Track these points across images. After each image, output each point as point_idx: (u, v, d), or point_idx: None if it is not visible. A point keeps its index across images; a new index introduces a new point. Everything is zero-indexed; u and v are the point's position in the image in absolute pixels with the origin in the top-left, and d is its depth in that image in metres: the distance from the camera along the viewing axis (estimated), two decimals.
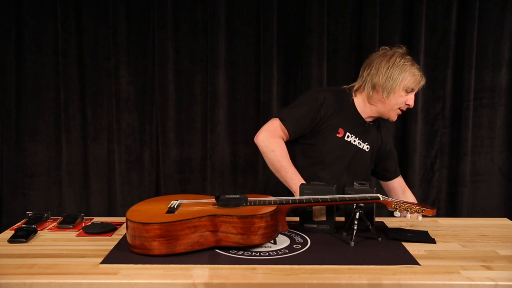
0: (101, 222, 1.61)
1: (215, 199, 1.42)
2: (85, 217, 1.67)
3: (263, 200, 1.41)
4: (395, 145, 2.73)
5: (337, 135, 1.80)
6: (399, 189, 2.00)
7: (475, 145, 2.74)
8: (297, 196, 1.55)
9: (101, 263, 1.22)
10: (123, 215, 1.42)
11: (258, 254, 1.27)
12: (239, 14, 2.72)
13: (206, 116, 2.77)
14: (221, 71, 2.73)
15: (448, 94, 2.74)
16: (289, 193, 1.75)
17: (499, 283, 1.09)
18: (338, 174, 1.82)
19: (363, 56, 2.68)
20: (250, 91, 2.77)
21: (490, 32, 2.67)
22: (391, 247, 1.34)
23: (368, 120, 1.85)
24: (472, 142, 2.72)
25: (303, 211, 1.50)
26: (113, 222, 1.61)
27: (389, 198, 1.43)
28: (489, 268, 1.19)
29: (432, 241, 1.41)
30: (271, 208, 1.33)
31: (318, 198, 1.41)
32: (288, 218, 1.44)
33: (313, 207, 1.48)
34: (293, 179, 1.73)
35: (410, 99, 1.77)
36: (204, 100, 2.78)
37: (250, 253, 1.29)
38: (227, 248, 1.31)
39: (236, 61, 2.75)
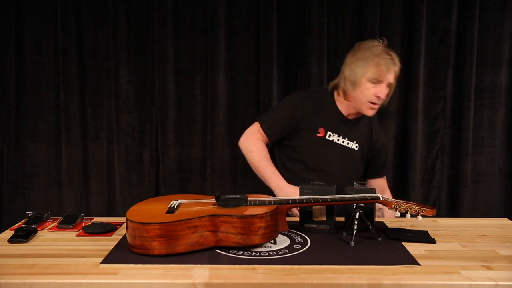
0: (101, 222, 1.61)
1: (215, 199, 1.42)
2: (85, 217, 1.67)
3: (263, 200, 1.41)
4: (395, 146, 2.77)
5: (318, 135, 1.78)
6: (379, 189, 1.93)
7: (475, 145, 2.74)
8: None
9: (101, 263, 1.22)
10: (123, 215, 1.42)
11: (258, 254, 1.27)
12: (239, 14, 2.72)
13: (206, 116, 2.77)
14: (221, 71, 2.73)
15: (449, 94, 2.74)
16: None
17: (499, 283, 1.09)
18: (326, 175, 1.80)
19: None
20: (250, 91, 2.77)
21: (490, 32, 2.67)
22: (391, 247, 1.34)
23: (350, 117, 1.82)
24: (472, 142, 2.71)
25: (303, 211, 1.50)
26: (113, 222, 1.61)
27: (389, 198, 1.43)
28: (489, 268, 1.19)
29: (432, 241, 1.41)
30: (271, 208, 1.33)
31: (318, 198, 1.41)
32: (288, 218, 1.44)
33: (313, 207, 1.48)
34: (272, 177, 1.73)
35: (380, 91, 1.69)
36: (204, 100, 2.78)
37: (250, 253, 1.29)
38: (227, 248, 1.31)
39: (236, 61, 2.75)
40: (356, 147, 1.83)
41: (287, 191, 1.68)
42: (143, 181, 2.82)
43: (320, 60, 2.67)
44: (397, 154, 2.79)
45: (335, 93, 1.84)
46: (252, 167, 1.84)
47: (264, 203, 1.39)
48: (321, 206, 1.47)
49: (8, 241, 1.40)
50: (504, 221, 1.69)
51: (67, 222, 1.57)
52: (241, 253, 1.29)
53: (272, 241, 1.36)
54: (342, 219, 1.55)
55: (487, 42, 2.68)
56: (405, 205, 1.38)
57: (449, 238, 1.45)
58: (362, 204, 1.40)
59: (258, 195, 1.50)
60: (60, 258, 1.26)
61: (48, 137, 2.84)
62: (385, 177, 2.00)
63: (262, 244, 1.33)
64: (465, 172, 2.70)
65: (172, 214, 1.32)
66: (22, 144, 2.84)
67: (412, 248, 1.33)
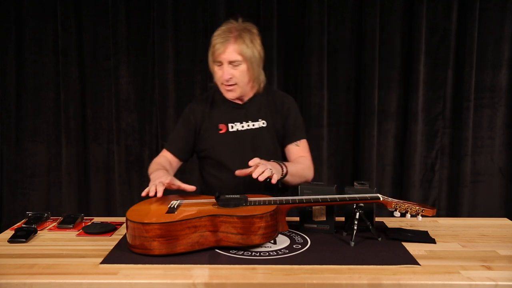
0: (101, 222, 1.61)
1: (215, 199, 1.42)
2: (85, 217, 1.67)
3: (263, 200, 1.41)
4: (395, 146, 2.77)
5: (220, 132, 1.75)
6: (294, 157, 1.77)
7: (475, 145, 2.74)
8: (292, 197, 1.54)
9: (101, 263, 1.22)
10: (123, 215, 1.42)
11: (258, 254, 1.27)
12: (239, 14, 2.72)
13: None
14: None
15: (449, 94, 2.74)
16: (288, 193, 1.74)
17: (499, 283, 1.09)
18: (246, 165, 1.65)
19: (363, 56, 2.68)
20: None
21: (490, 32, 2.67)
22: (391, 247, 1.34)
23: (242, 101, 1.77)
24: (472, 142, 2.71)
25: (303, 211, 1.50)
26: (113, 222, 1.62)
27: (389, 198, 1.43)
28: (489, 268, 1.19)
29: (432, 241, 1.41)
30: (271, 208, 1.33)
31: (318, 198, 1.41)
32: (288, 218, 1.44)
33: (313, 207, 1.48)
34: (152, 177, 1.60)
35: (223, 72, 1.65)
36: None
37: (250, 253, 1.29)
38: (227, 248, 1.31)
39: None
40: (264, 123, 1.76)
41: (153, 179, 1.55)
42: (143, 181, 2.82)
43: (320, 60, 2.67)
44: (397, 154, 2.79)
45: None
46: None
47: (264, 203, 1.39)
48: (321, 206, 1.47)
49: (8, 241, 1.40)
50: (504, 221, 1.69)
51: (67, 222, 1.57)
52: (241, 253, 1.29)
53: (272, 241, 1.36)
54: (342, 219, 1.55)
55: (487, 42, 2.68)
56: (405, 205, 1.38)
57: (449, 238, 1.45)
58: (362, 204, 1.40)
59: (258, 195, 1.50)
60: (60, 258, 1.26)
61: (48, 137, 2.84)
62: (300, 144, 1.79)
63: (262, 244, 1.33)
64: (464, 172, 2.70)
65: (172, 214, 1.32)
66: (22, 144, 2.84)
67: (412, 248, 1.33)
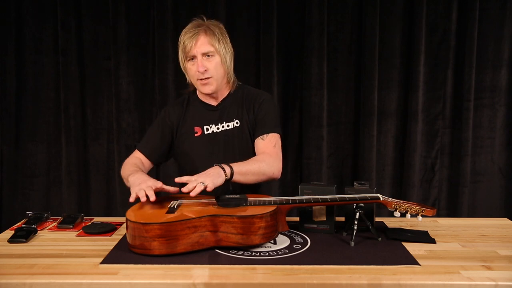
0: (101, 222, 1.62)
1: (215, 199, 1.42)
2: (85, 217, 1.67)
3: (263, 200, 1.42)
4: (395, 146, 2.77)
5: (196, 135, 1.74)
6: (257, 152, 1.69)
7: (475, 145, 2.74)
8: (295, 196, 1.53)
9: (101, 263, 1.22)
10: (123, 215, 1.42)
11: (258, 254, 1.27)
12: (239, 14, 2.72)
13: None
14: None
15: (449, 94, 2.74)
16: (287, 194, 1.73)
17: (499, 283, 1.09)
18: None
19: (363, 56, 2.68)
20: None
21: (490, 32, 2.67)
22: (391, 247, 1.34)
23: (215, 102, 1.76)
24: (472, 142, 2.71)
25: (303, 211, 1.50)
26: (113, 222, 1.62)
27: (389, 198, 1.43)
28: (489, 268, 1.19)
29: (432, 241, 1.41)
30: (271, 208, 1.33)
31: (318, 198, 1.41)
32: (288, 218, 1.44)
33: (313, 207, 1.48)
34: (132, 181, 1.56)
35: (198, 66, 1.64)
36: None
37: (250, 253, 1.29)
38: (227, 248, 1.31)
39: (236, 61, 2.73)
40: (237, 123, 1.74)
41: (137, 183, 1.50)
42: None
43: (320, 60, 2.67)
44: (397, 154, 2.79)
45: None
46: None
47: (264, 203, 1.39)
48: (321, 206, 1.48)
49: (8, 241, 1.40)
50: (504, 221, 1.69)
51: (67, 222, 1.57)
52: (241, 253, 1.29)
53: (272, 241, 1.36)
54: (342, 219, 1.56)
55: (487, 42, 2.67)
56: (405, 205, 1.38)
57: (449, 238, 1.45)
58: (362, 204, 1.40)
59: (258, 195, 1.50)
60: (60, 258, 1.27)
61: (48, 137, 2.84)
62: (266, 138, 1.70)
63: (262, 244, 1.33)
64: (464, 172, 2.70)
65: (172, 214, 1.33)
66: (22, 144, 2.84)
67: (412, 248, 1.34)
